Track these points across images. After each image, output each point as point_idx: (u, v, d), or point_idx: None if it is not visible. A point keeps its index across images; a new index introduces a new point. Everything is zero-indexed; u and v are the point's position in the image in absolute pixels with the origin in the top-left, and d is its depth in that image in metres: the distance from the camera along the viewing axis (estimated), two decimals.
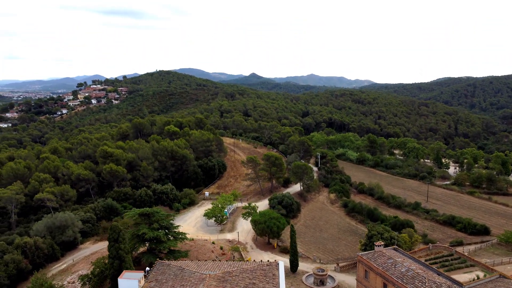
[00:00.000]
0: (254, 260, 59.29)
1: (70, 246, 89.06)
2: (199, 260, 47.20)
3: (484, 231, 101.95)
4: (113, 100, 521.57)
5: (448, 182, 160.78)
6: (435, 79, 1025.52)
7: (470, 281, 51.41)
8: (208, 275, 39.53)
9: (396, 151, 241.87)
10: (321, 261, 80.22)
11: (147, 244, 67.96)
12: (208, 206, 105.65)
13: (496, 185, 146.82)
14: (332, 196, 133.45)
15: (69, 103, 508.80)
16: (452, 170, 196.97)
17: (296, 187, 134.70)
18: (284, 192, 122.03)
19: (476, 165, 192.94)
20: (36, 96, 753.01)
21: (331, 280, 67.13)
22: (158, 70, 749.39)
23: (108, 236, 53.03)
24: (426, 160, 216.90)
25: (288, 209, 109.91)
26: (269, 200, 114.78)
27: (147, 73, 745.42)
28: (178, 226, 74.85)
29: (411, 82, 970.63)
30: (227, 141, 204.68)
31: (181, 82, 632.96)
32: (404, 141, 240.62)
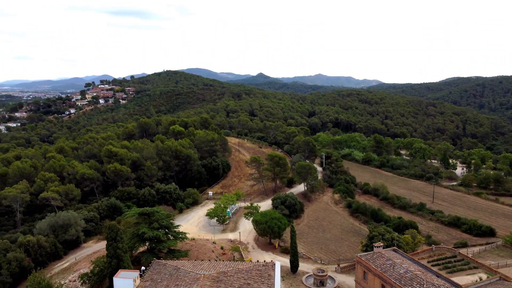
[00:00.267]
0: (257, 260, 59.13)
1: (73, 245, 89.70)
2: (195, 260, 47.15)
3: (489, 232, 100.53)
4: (121, 100, 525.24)
5: (454, 183, 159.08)
6: (444, 79, 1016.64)
7: (470, 284, 50.66)
8: (202, 275, 39.42)
9: (403, 152, 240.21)
10: (322, 262, 79.78)
11: (147, 244, 68.12)
12: (211, 206, 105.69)
13: (503, 186, 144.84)
14: (336, 196, 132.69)
15: (77, 103, 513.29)
16: (460, 170, 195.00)
17: (300, 187, 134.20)
18: (287, 192, 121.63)
19: (483, 166, 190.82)
20: (45, 96, 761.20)
21: (331, 281, 66.71)
22: (165, 70, 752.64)
23: (106, 235, 53.24)
24: (433, 161, 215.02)
25: (291, 209, 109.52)
26: (272, 200, 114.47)
27: (155, 73, 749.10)
28: (178, 225, 74.89)
29: (419, 82, 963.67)
30: (233, 141, 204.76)
31: (188, 82, 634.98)
32: (411, 142, 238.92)
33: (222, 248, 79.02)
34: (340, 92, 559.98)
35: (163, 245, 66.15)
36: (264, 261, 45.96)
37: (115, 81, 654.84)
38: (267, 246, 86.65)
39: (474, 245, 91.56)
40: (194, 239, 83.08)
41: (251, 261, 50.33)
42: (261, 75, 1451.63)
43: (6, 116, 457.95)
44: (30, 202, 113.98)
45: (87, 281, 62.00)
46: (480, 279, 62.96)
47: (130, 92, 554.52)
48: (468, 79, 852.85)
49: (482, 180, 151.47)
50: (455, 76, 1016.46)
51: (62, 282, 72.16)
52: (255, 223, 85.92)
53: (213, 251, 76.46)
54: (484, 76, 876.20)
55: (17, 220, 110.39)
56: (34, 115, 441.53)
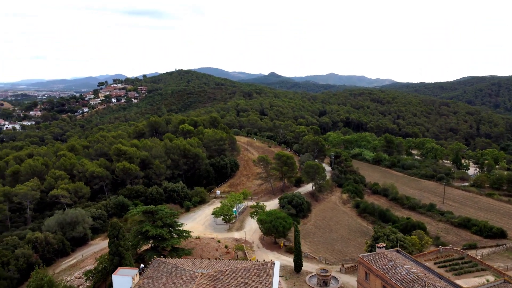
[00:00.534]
0: (257, 260, 59.02)
1: (81, 242, 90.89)
2: (195, 259, 47.22)
3: (500, 234, 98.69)
4: (133, 99, 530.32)
5: (466, 184, 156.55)
6: (458, 78, 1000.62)
7: (475, 286, 49.69)
8: (200, 274, 39.42)
9: (414, 152, 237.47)
10: (327, 262, 79.28)
11: (151, 242, 68.59)
12: (218, 204, 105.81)
13: None
14: (345, 196, 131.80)
15: (90, 102, 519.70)
16: (472, 171, 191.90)
17: (308, 187, 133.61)
18: (295, 192, 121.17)
19: (497, 167, 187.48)
20: (59, 94, 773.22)
21: (335, 281, 66.21)
22: (177, 69, 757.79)
23: (108, 232, 53.73)
24: (445, 161, 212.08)
25: (298, 208, 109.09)
26: (279, 199, 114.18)
27: (167, 73, 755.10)
28: (182, 224, 75.16)
29: (433, 81, 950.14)
30: (242, 140, 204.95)
31: (200, 81, 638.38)
32: (422, 141, 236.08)
33: (226, 247, 79.05)
34: (352, 91, 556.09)
35: (166, 243, 66.49)
36: (264, 260, 45.77)
37: (127, 80, 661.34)
38: (272, 246, 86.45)
39: (484, 247, 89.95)
40: (199, 237, 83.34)
41: (257, 260, 50.09)
42: (273, 74, 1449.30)
43: (21, 115, 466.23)
44: (40, 200, 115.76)
45: (91, 278, 62.72)
46: (487, 281, 61.76)
47: (142, 91, 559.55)
48: (483, 78, 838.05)
49: (495, 181, 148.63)
50: (470, 75, 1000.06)
51: (68, 279, 73.22)
52: (260, 222, 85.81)
53: (217, 250, 76.58)
54: (500, 75, 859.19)
55: (27, 217, 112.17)
56: (48, 114, 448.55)
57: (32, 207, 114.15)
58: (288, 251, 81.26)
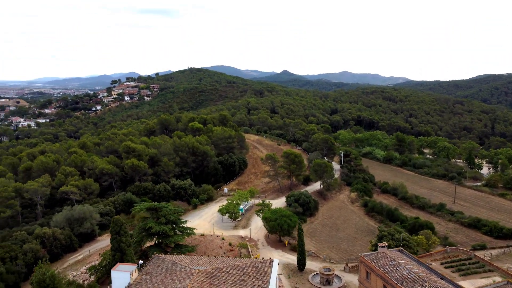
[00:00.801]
0: (256, 258, 58.93)
1: (88, 237, 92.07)
2: (194, 256, 47.40)
3: (511, 235, 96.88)
4: (145, 97, 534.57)
5: (479, 183, 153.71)
6: (474, 76, 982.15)
7: (478, 287, 48.76)
8: (197, 271, 39.52)
9: (426, 150, 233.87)
10: (331, 261, 78.79)
11: (154, 238, 69.06)
12: (225, 202, 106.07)
13: None
14: (353, 195, 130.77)
15: (103, 100, 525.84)
16: (486, 171, 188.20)
17: (317, 185, 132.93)
18: (302, 190, 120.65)
19: (511, 166, 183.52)
20: (74, 92, 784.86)
21: (338, 280, 65.75)
22: (189, 68, 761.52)
23: (110, 229, 54.28)
24: (458, 160, 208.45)
25: (305, 207, 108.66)
26: (286, 197, 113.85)
27: (179, 71, 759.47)
28: (185, 221, 75.45)
29: (448, 80, 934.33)
30: (251, 138, 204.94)
31: (212, 79, 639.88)
32: (435, 140, 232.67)
33: (230, 244, 79.13)
34: (364, 89, 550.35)
35: (169, 240, 66.89)
36: (263, 258, 45.71)
37: (140, 79, 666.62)
38: (277, 244, 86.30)
39: (494, 248, 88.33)
40: (203, 234, 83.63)
41: (263, 258, 49.97)
42: (285, 72, 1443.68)
43: (37, 112, 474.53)
44: (51, 196, 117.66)
45: (95, 273, 63.53)
46: (494, 282, 60.59)
47: (155, 89, 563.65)
48: (500, 76, 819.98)
49: (508, 181, 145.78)
50: (486, 73, 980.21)
51: (75, 274, 74.28)
52: (265, 220, 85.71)
53: (221, 247, 76.74)
54: None
55: (38, 212, 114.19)
56: (62, 112, 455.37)
57: (42, 203, 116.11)
58: (293, 249, 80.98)
